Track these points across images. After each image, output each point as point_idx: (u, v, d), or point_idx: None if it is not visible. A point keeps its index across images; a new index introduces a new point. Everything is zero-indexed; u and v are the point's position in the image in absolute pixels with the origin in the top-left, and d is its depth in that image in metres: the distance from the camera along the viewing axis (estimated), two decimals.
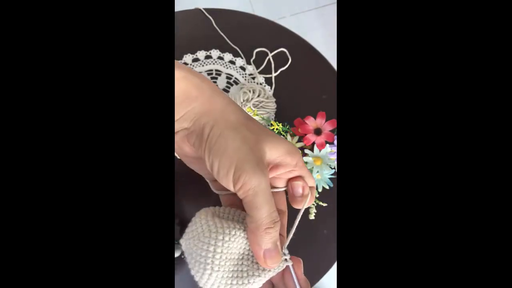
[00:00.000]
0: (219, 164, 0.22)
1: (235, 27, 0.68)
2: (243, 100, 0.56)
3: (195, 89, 0.24)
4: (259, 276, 0.22)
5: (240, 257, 0.23)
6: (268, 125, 0.56)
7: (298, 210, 0.26)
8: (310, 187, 0.26)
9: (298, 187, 0.25)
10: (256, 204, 0.22)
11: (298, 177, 0.26)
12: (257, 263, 0.23)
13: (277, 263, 0.23)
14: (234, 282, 0.22)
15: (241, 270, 0.23)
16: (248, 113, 0.27)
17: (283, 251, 0.23)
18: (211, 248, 0.22)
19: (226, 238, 0.22)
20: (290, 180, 0.26)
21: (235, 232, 0.23)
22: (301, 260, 0.25)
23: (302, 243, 0.57)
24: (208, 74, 0.64)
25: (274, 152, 0.24)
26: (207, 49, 0.66)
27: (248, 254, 0.23)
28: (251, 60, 0.65)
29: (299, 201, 0.25)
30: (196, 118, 0.24)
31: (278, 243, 0.23)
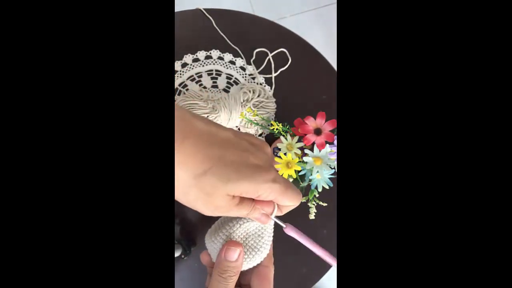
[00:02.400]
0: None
1: (235, 27, 0.68)
2: (243, 100, 0.56)
3: None
4: (261, 248, 0.29)
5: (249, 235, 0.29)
6: (268, 125, 0.56)
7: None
8: (284, 206, 0.28)
9: (262, 209, 0.27)
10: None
11: (262, 201, 0.27)
12: (260, 240, 0.29)
13: (268, 220, 0.28)
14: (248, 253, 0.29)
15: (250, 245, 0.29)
16: (209, 157, 0.23)
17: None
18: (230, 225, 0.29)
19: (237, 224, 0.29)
20: (256, 202, 0.27)
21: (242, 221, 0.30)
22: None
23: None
24: (208, 74, 0.64)
25: (233, 193, 0.24)
26: (207, 49, 0.66)
27: (254, 234, 0.29)
28: (251, 60, 0.65)
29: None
30: None
31: (264, 211, 0.27)
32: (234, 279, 0.27)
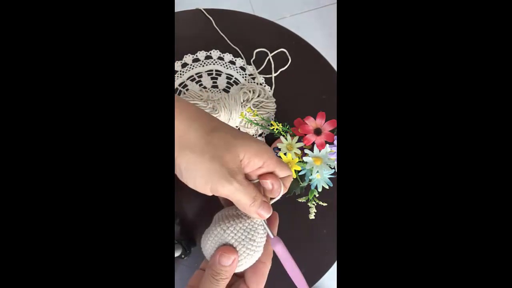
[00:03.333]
0: (197, 185, 0.26)
1: (235, 27, 0.68)
2: (243, 100, 0.56)
3: None
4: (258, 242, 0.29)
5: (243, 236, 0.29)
6: (268, 125, 0.56)
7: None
8: (284, 178, 0.29)
9: (266, 183, 0.28)
10: (236, 200, 0.27)
11: (268, 174, 0.28)
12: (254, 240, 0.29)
13: (269, 211, 0.28)
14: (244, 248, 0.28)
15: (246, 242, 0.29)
16: (214, 118, 0.27)
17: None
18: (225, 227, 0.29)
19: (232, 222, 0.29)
20: (260, 176, 0.28)
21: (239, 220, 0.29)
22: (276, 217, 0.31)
23: (302, 243, 0.57)
24: (209, 75, 0.64)
25: (242, 154, 0.26)
26: (207, 49, 0.66)
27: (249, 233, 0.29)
28: (251, 61, 0.65)
29: (272, 193, 0.29)
30: None
31: (264, 199, 0.28)
32: (226, 281, 0.28)
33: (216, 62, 0.65)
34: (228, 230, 0.28)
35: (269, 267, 0.30)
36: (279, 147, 0.45)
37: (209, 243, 0.29)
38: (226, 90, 0.64)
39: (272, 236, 0.29)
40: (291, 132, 0.46)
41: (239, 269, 0.28)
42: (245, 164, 0.26)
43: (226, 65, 0.65)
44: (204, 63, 0.65)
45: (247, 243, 0.28)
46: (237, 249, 0.28)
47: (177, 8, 0.70)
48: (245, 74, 0.65)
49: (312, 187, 0.45)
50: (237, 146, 0.25)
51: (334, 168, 0.44)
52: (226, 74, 0.65)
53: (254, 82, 0.65)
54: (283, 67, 0.65)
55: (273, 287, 0.49)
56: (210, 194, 0.26)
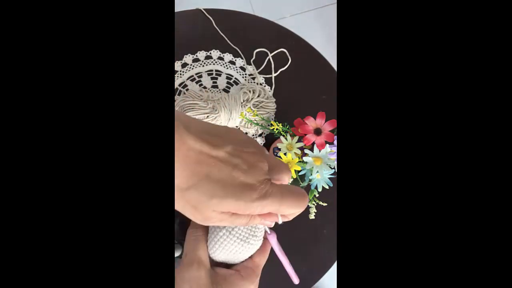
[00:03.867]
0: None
1: (235, 27, 0.68)
2: (243, 100, 0.56)
3: None
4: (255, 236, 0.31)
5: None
6: (268, 125, 0.56)
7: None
8: (283, 216, 0.28)
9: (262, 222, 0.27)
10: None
11: (264, 214, 0.27)
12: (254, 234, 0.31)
13: (272, 222, 0.28)
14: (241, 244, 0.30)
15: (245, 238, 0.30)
16: (197, 173, 0.23)
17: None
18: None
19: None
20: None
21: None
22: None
23: (302, 243, 0.57)
24: (208, 75, 0.64)
25: (220, 209, 0.24)
26: (207, 49, 0.66)
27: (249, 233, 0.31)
28: (251, 61, 0.65)
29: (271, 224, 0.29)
30: None
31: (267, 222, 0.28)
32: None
33: (216, 62, 0.65)
34: (233, 231, 0.29)
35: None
36: (279, 147, 0.45)
37: (216, 246, 0.29)
38: (226, 90, 0.64)
39: (268, 232, 0.31)
40: (291, 132, 0.46)
41: (243, 258, 0.31)
42: (229, 211, 0.24)
43: (226, 65, 0.65)
44: (204, 63, 0.65)
45: (251, 239, 0.29)
46: (243, 245, 0.29)
47: (177, 8, 0.70)
48: (245, 74, 0.65)
49: (312, 187, 0.45)
50: (211, 205, 0.23)
51: (334, 168, 0.44)
52: (226, 74, 0.65)
53: (254, 82, 0.65)
54: (283, 67, 0.65)
55: (272, 286, 0.49)
56: None
